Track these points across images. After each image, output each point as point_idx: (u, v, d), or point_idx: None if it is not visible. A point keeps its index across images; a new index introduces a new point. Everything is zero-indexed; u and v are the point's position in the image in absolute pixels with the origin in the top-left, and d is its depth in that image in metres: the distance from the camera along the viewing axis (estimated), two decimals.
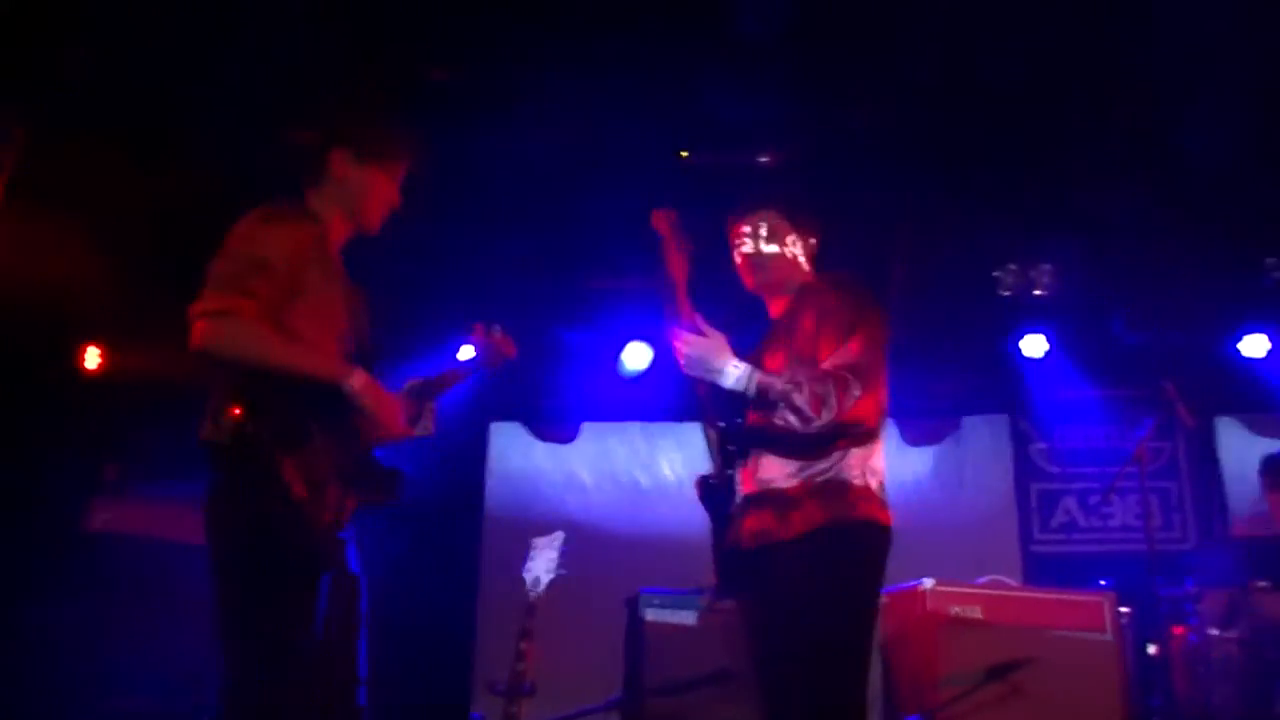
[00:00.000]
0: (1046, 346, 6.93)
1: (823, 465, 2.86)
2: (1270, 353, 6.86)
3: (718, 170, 5.91)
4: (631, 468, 7.69)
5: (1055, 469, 7.43)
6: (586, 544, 6.36)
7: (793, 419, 2.76)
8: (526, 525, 6.22)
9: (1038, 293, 6.65)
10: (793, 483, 2.87)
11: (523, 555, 4.21)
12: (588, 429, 7.77)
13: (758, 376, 2.80)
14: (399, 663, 6.68)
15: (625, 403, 7.47)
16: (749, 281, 3.20)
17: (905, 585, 4.65)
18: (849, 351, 2.85)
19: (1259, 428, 7.19)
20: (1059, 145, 5.53)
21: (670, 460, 7.53)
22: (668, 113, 5.52)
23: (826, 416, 2.74)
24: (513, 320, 6.79)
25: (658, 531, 7.15)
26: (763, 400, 2.81)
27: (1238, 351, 6.91)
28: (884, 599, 4.96)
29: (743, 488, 2.95)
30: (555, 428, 7.78)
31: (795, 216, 3.19)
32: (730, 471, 2.92)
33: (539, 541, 4.23)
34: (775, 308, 3.20)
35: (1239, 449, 7.03)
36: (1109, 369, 7.18)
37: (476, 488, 7.63)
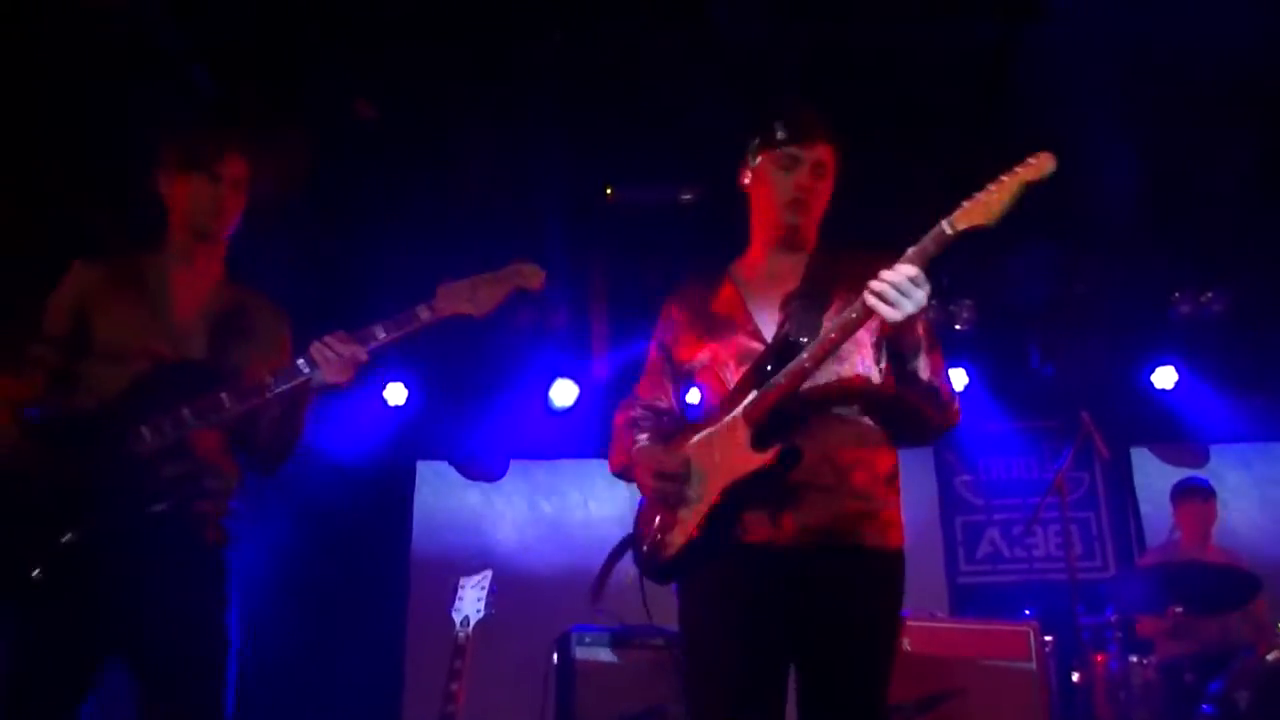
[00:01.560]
0: (966, 380, 7.06)
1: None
2: (1178, 384, 7.08)
3: (644, 209, 5.98)
4: (560, 505, 7.66)
5: (979, 501, 7.54)
6: (515, 582, 6.36)
7: (926, 405, 2.57)
8: (454, 564, 6.16)
9: (958, 327, 6.80)
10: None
11: (451, 595, 4.17)
12: (516, 467, 7.73)
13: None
14: (327, 705, 6.63)
15: (553, 440, 7.45)
16: (784, 222, 2.73)
17: None
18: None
19: (1171, 457, 7.40)
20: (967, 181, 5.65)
21: (598, 497, 7.51)
22: (595, 152, 5.57)
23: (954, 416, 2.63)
24: (437, 360, 6.94)
25: (586, 569, 7.10)
26: (907, 364, 2.54)
27: (1150, 383, 7.11)
28: None
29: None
30: (482, 466, 7.72)
31: (838, 163, 2.79)
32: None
33: (467, 581, 4.20)
34: (783, 265, 2.76)
35: (1153, 478, 7.21)
36: (1027, 401, 7.35)
37: (403, 527, 7.54)
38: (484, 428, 7.46)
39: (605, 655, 4.77)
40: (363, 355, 2.74)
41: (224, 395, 2.70)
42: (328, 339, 2.73)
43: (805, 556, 2.48)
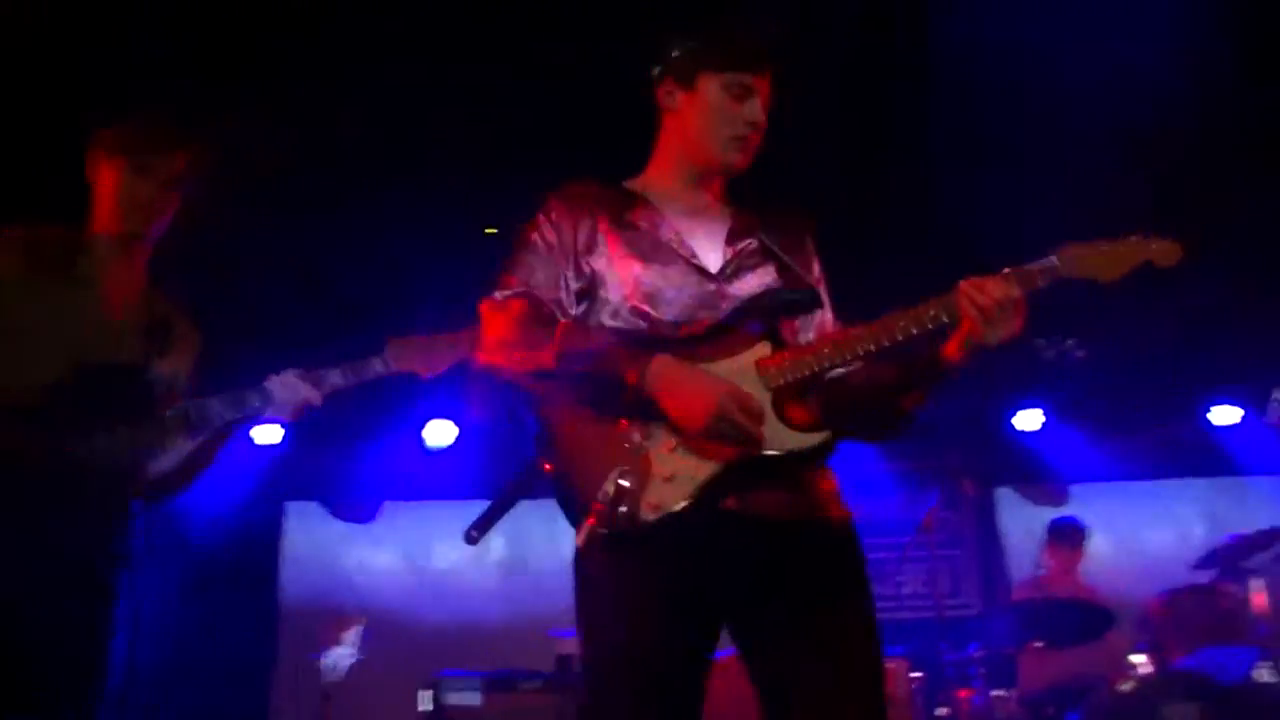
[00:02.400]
0: None
1: None
2: (1044, 426, 7.35)
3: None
4: (433, 548, 7.54)
5: None
6: (386, 627, 6.24)
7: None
8: (324, 609, 6.03)
9: None
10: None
11: (320, 641, 4.06)
12: (389, 508, 7.59)
13: None
14: None
15: (427, 481, 7.34)
16: (721, 158, 2.45)
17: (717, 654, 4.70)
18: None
19: (1034, 496, 7.67)
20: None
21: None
22: (474, 191, 5.54)
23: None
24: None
25: (460, 614, 7.04)
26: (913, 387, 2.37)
27: (1013, 426, 7.37)
28: None
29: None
30: (354, 507, 7.57)
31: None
32: None
33: (337, 626, 4.10)
34: (703, 201, 2.50)
35: (1016, 518, 7.46)
36: (897, 443, 7.52)
37: (271, 570, 7.33)
38: (356, 468, 7.32)
39: (476, 700, 4.70)
40: (317, 400, 2.65)
41: (168, 416, 2.60)
42: (286, 376, 2.63)
43: (786, 529, 2.22)
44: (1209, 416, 7.52)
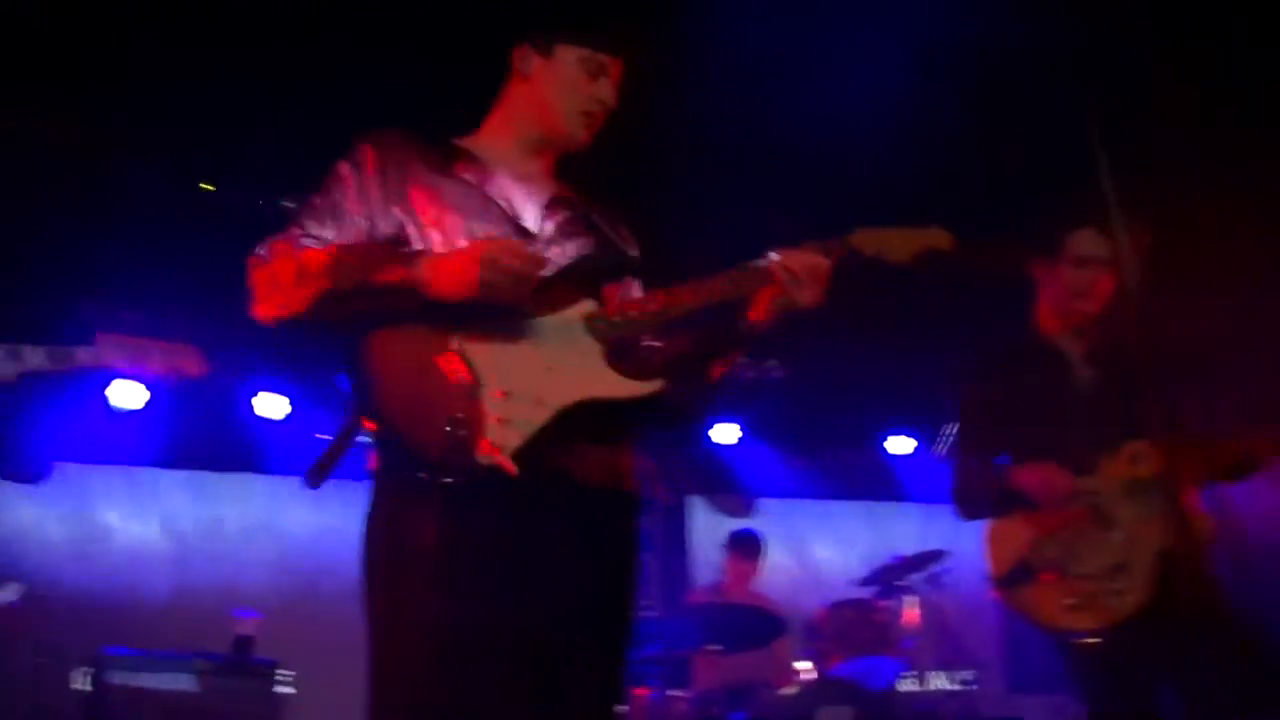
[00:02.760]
0: None
1: None
2: (739, 441, 7.70)
3: (244, 207, 5.70)
4: (107, 515, 7.05)
5: None
6: (44, 598, 5.80)
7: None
8: None
9: None
10: None
11: None
12: (62, 470, 7.02)
13: None
14: None
15: (108, 444, 6.85)
16: (567, 131, 2.45)
17: None
18: None
19: (723, 507, 8.02)
20: None
21: (152, 509, 6.99)
22: (189, 145, 5.26)
23: None
24: None
25: (129, 587, 6.63)
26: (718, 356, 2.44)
27: (709, 438, 7.69)
28: None
29: None
30: (19, 466, 6.94)
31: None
32: None
33: None
34: (532, 169, 2.49)
35: (704, 526, 7.78)
36: None
37: None
38: (25, 423, 6.73)
39: (145, 681, 4.44)
40: (11, 375, 2.67)
41: None
42: None
43: (601, 497, 2.23)
44: (886, 445, 8.11)
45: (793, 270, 2.26)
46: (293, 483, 6.80)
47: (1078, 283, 3.37)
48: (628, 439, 2.32)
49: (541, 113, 2.44)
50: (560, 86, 2.42)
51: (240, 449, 6.77)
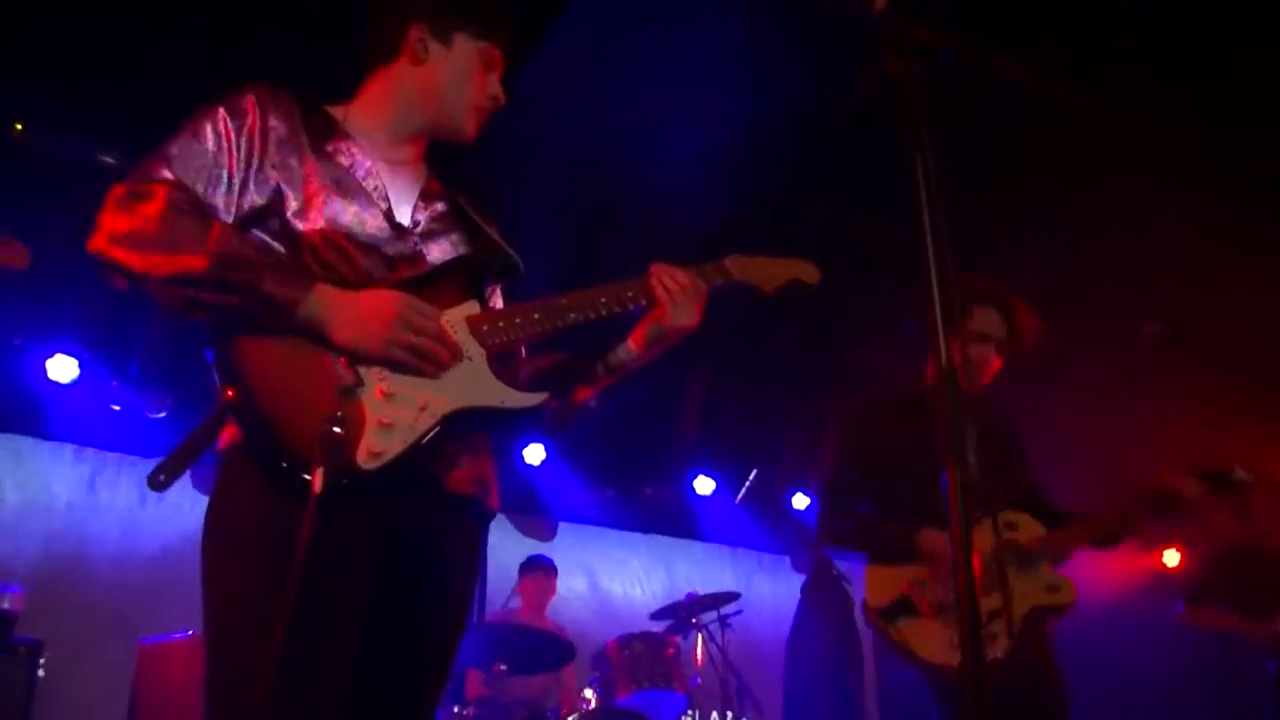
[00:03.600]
0: None
1: None
2: (544, 462, 7.67)
3: (56, 157, 5.36)
4: None
5: None
6: None
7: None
8: None
9: None
10: None
11: None
12: None
13: None
14: None
15: None
16: (456, 123, 2.36)
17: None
18: None
19: (525, 528, 7.97)
20: None
21: None
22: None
23: None
24: None
25: None
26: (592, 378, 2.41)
27: (521, 457, 7.63)
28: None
29: None
30: None
31: None
32: None
33: None
34: (404, 155, 2.36)
35: (505, 544, 7.71)
36: None
37: None
38: None
39: None
40: None
41: None
42: None
43: (462, 504, 2.15)
44: (694, 483, 8.22)
45: (671, 290, 2.25)
46: (71, 450, 6.46)
47: (972, 356, 3.48)
48: (493, 449, 2.25)
49: (433, 100, 2.33)
50: (459, 77, 2.31)
51: (22, 411, 6.30)
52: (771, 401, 7.70)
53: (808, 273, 2.50)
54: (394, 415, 1.98)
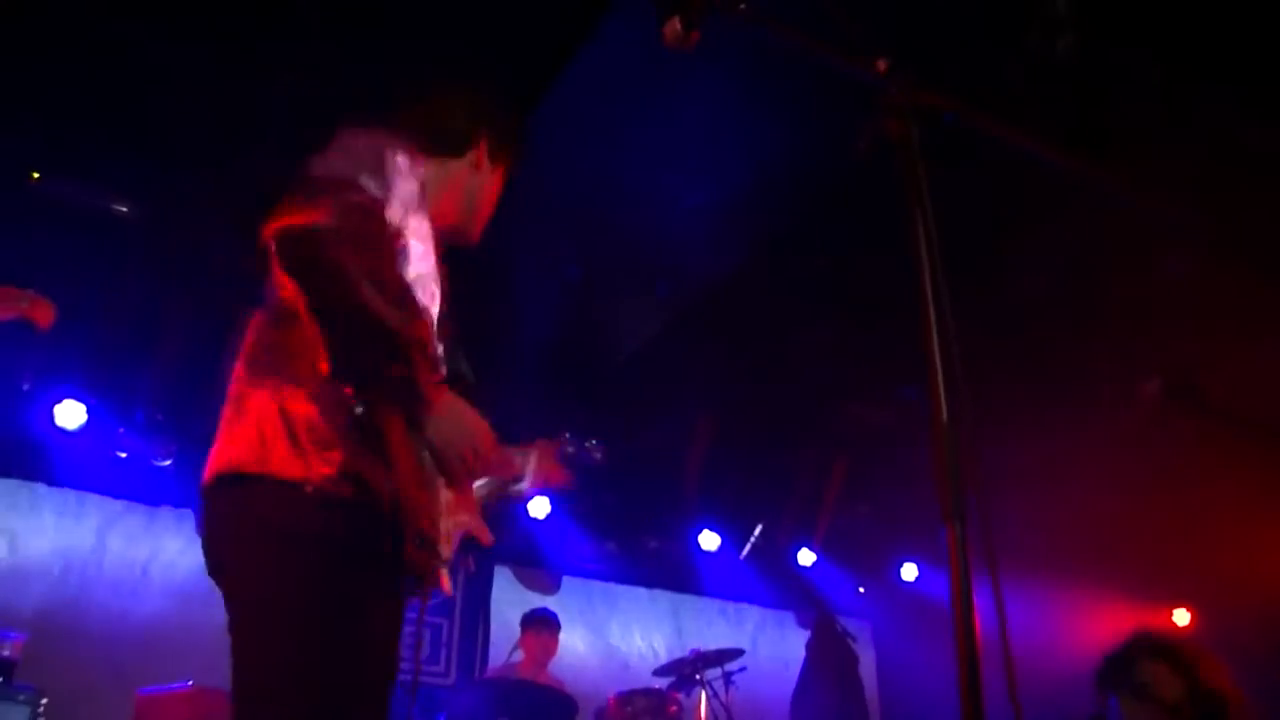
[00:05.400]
0: None
1: None
2: (549, 515, 7.64)
3: (69, 205, 5.42)
4: None
5: None
6: None
7: None
8: None
9: None
10: None
11: None
12: None
13: None
14: None
15: None
16: (472, 230, 2.46)
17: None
18: None
19: (528, 581, 7.93)
20: None
21: None
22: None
23: None
24: None
25: None
26: None
27: (525, 510, 7.61)
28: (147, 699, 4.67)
29: None
30: None
31: None
32: None
33: None
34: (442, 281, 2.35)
35: (508, 597, 7.66)
36: None
37: None
38: None
39: None
40: None
41: None
42: None
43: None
44: (698, 539, 8.19)
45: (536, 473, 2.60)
46: (77, 496, 6.46)
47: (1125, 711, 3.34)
48: None
49: (476, 209, 2.43)
50: (490, 194, 2.44)
51: (29, 456, 6.31)
52: (775, 457, 7.69)
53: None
54: (446, 528, 2.15)
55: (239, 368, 2.06)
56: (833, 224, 5.27)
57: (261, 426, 1.94)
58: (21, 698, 4.40)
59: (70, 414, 6.11)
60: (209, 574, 2.01)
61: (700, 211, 5.19)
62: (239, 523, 1.93)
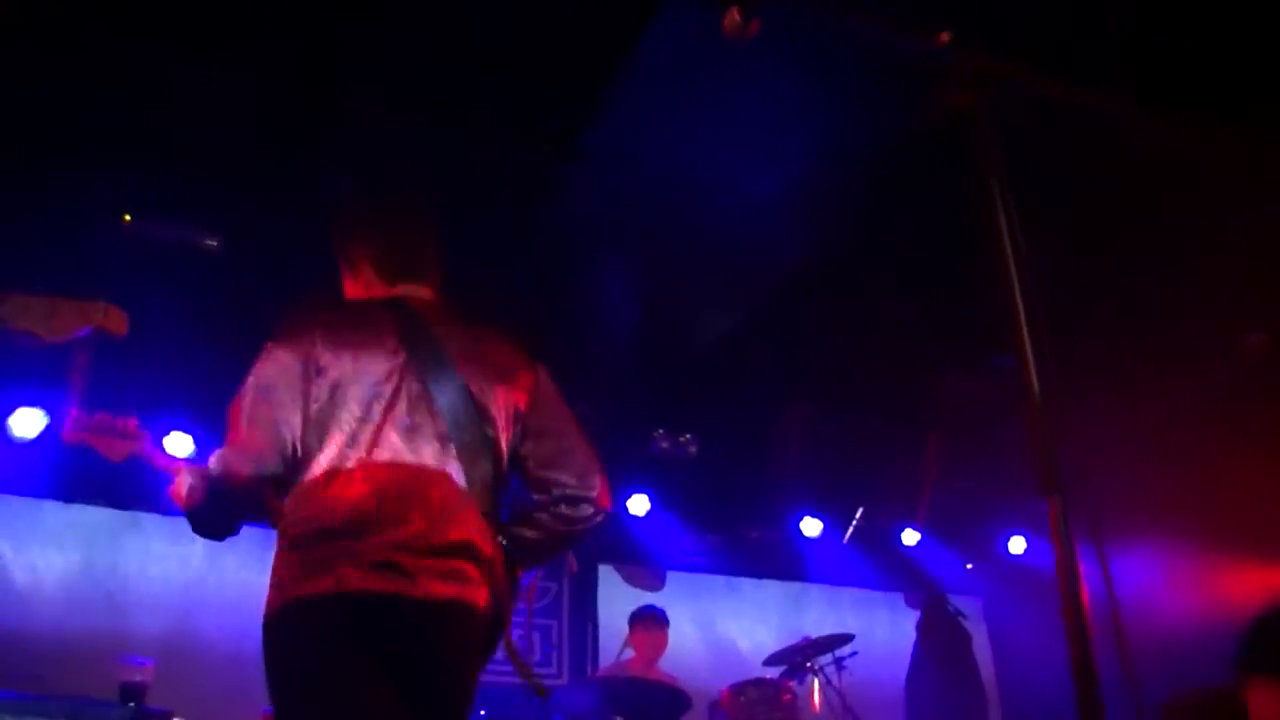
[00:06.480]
0: None
1: None
2: (649, 512, 7.67)
3: (162, 243, 5.58)
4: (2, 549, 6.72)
5: None
6: None
7: None
8: None
9: None
10: None
11: None
12: None
13: None
14: None
15: (6, 474, 6.55)
16: None
17: None
18: None
19: (633, 578, 7.97)
20: None
21: (49, 546, 6.69)
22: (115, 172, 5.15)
23: None
24: None
25: (25, 626, 6.33)
26: None
27: (625, 509, 7.66)
28: None
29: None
30: None
31: None
32: None
33: None
34: None
35: (615, 595, 7.71)
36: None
37: None
38: None
39: None
40: None
41: None
42: None
43: None
44: (800, 525, 8.15)
45: None
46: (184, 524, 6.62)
47: None
48: None
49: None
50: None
51: (140, 485, 6.53)
52: (871, 438, 7.60)
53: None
54: None
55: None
56: (909, 197, 5.20)
57: None
58: (150, 717, 4.56)
59: (179, 445, 6.33)
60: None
61: (773, 196, 5.15)
62: None
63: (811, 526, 8.15)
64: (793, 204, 5.22)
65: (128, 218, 5.52)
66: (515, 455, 2.55)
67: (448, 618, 2.23)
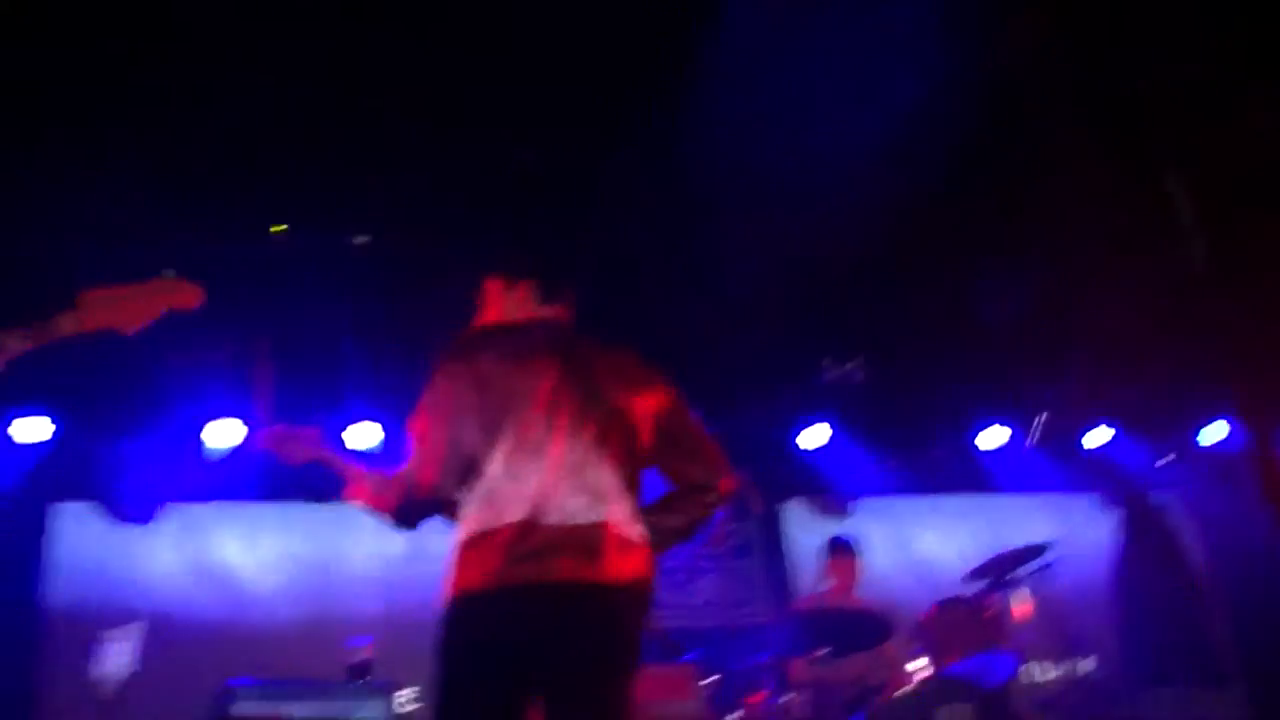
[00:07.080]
0: None
1: None
2: (830, 440, 7.65)
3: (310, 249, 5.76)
4: (220, 552, 7.20)
5: None
6: (168, 636, 5.94)
7: None
8: (96, 618, 5.68)
9: None
10: None
11: (91, 651, 3.81)
12: (171, 510, 7.20)
13: None
14: None
15: (212, 482, 7.00)
16: None
17: None
18: None
19: (820, 509, 7.98)
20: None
21: (262, 543, 7.13)
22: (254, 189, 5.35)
23: None
24: (84, 392, 6.38)
25: (246, 620, 6.77)
26: None
27: (798, 442, 7.65)
28: None
29: None
30: (131, 509, 7.13)
31: None
32: None
33: (111, 635, 3.86)
34: None
35: (805, 526, 7.74)
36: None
37: (32, 576, 6.81)
38: (132, 465, 6.92)
39: (266, 709, 4.51)
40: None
41: None
42: None
43: None
44: (979, 437, 8.00)
45: None
46: None
47: None
48: None
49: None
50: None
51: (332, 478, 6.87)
52: (1042, 340, 7.34)
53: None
54: None
55: None
56: (1015, 130, 5.01)
57: None
58: (382, 692, 4.83)
59: (365, 436, 6.63)
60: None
61: (874, 137, 5.02)
62: None
63: (995, 436, 7.99)
64: (890, 143, 5.07)
65: (284, 227, 5.73)
66: (653, 455, 2.89)
67: (588, 598, 2.60)
